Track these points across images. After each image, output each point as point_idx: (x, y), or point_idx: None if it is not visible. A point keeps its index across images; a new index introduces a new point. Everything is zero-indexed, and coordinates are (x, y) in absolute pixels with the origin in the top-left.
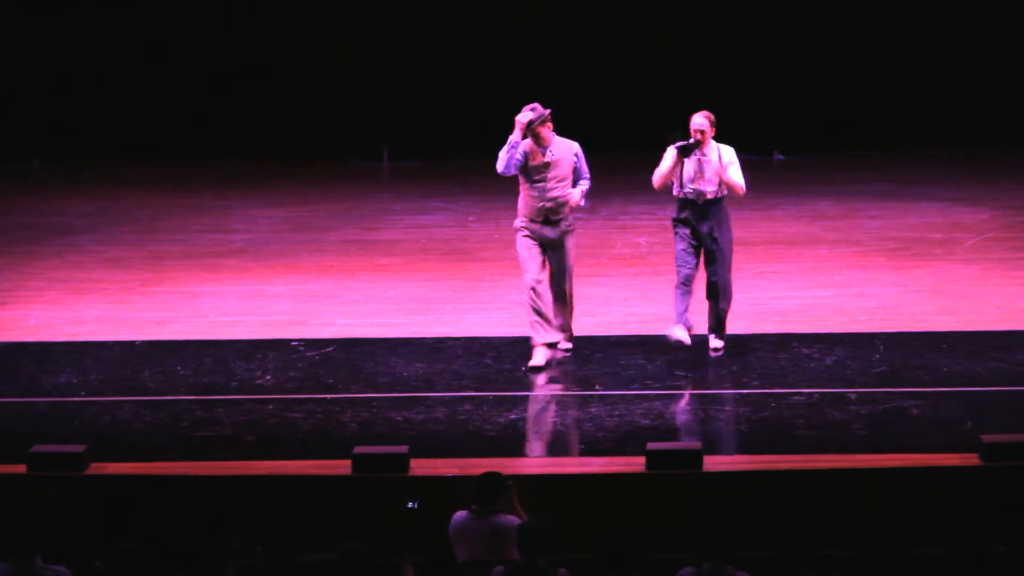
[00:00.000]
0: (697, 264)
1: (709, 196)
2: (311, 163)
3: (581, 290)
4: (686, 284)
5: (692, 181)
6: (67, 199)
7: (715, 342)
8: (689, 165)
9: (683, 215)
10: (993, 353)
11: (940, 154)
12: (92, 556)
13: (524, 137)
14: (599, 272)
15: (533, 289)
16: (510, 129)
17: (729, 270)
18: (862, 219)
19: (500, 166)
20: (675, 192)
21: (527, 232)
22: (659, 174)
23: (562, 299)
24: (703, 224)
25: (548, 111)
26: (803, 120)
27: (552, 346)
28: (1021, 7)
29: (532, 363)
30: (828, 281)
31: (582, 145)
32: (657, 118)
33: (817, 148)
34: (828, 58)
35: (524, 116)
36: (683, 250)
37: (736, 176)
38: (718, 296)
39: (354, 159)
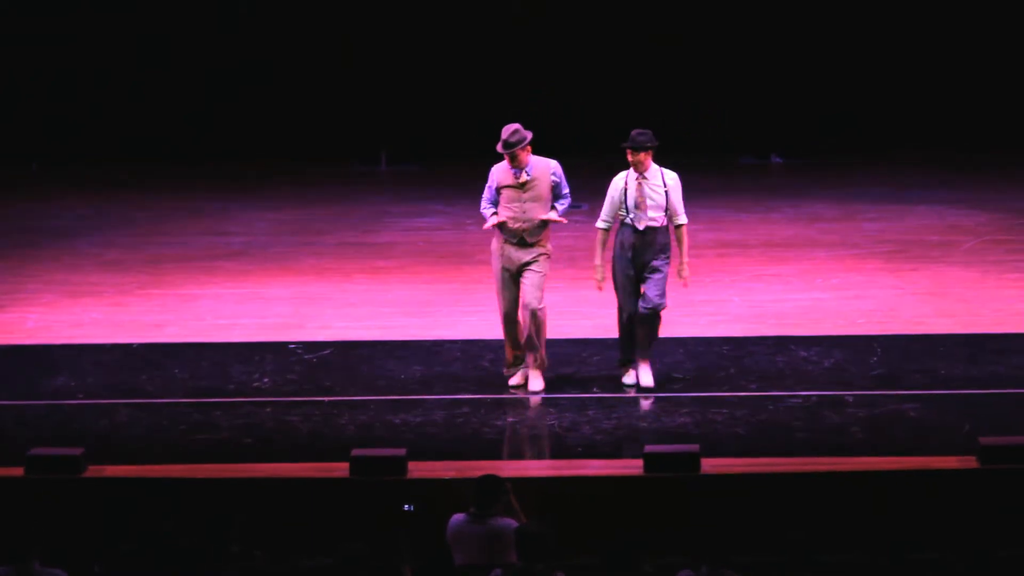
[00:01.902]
0: (636, 296)
1: (649, 223)
2: (309, 166)
3: (578, 293)
4: (630, 324)
5: (634, 208)
6: (65, 202)
7: (644, 377)
8: (632, 191)
9: (621, 238)
10: (991, 356)
11: (938, 157)
12: (90, 559)
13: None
14: None
15: (507, 322)
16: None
17: (661, 299)
18: (860, 222)
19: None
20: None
21: (500, 259)
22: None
23: (533, 319)
24: (643, 253)
25: (530, 134)
26: (801, 123)
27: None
28: (1020, 9)
29: (513, 381)
30: (825, 284)
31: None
32: (657, 119)
33: (815, 151)
34: (827, 61)
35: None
36: (623, 276)
37: (677, 202)
38: (645, 325)
39: (352, 162)
